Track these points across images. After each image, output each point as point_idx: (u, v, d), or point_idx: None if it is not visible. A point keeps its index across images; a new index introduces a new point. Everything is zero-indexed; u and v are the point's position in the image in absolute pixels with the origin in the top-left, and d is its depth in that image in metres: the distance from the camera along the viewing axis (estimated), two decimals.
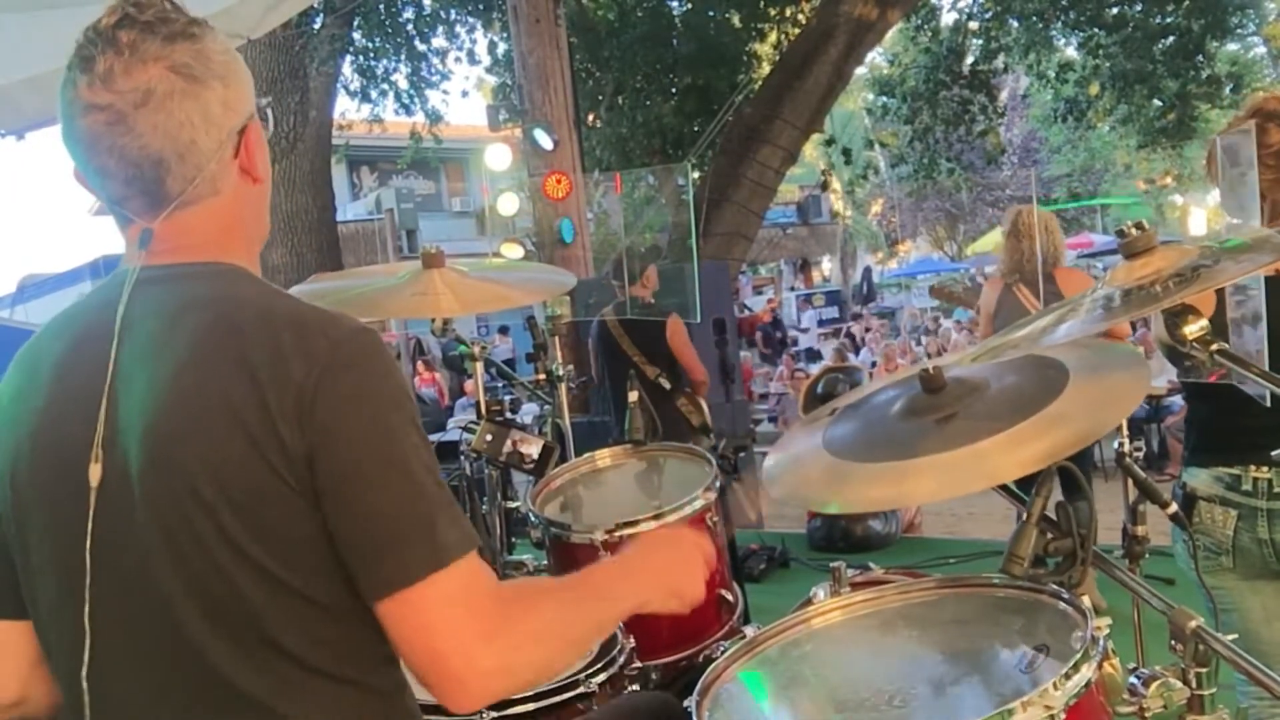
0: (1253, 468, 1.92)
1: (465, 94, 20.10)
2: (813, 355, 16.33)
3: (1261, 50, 20.00)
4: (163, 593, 1.03)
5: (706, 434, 2.73)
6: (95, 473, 1.04)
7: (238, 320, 1.06)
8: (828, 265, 28.67)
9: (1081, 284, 4.29)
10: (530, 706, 1.67)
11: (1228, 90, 12.97)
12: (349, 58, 11.36)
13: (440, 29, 11.85)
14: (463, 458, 2.84)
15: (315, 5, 9.03)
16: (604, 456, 2.67)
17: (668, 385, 2.60)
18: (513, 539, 3.04)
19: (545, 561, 2.44)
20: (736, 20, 11.55)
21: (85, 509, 1.04)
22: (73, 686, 1.07)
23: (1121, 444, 1.74)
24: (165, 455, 1.02)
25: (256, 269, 1.21)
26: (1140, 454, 1.77)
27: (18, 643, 1.17)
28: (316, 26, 9.76)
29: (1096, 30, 12.05)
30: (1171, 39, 11.89)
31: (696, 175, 9.99)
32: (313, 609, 1.04)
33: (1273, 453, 1.85)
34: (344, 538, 1.02)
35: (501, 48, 11.53)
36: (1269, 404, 1.59)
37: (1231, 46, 16.22)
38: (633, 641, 1.89)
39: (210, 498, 1.01)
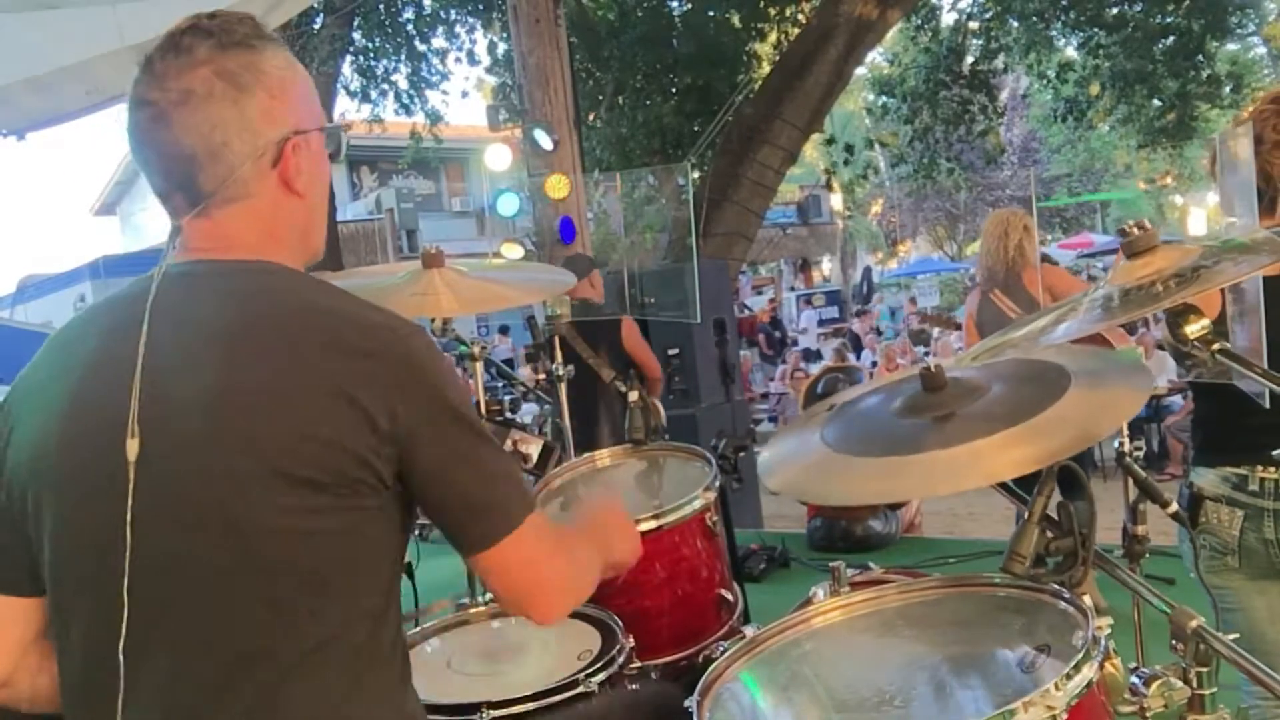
0: (1259, 468, 1.92)
1: (465, 94, 20.07)
2: (812, 355, 16.31)
3: (1261, 50, 19.99)
4: (207, 564, 1.06)
5: (661, 436, 2.73)
6: (133, 448, 1.07)
7: (310, 312, 1.13)
8: (828, 265, 28.68)
9: (1053, 280, 4.29)
10: (530, 706, 1.67)
11: (1228, 90, 12.98)
12: (349, 58, 11.37)
13: (440, 29, 11.85)
14: None
15: (315, 5, 9.03)
16: (604, 456, 2.67)
17: (623, 389, 2.68)
18: None
19: None
20: (736, 20, 11.54)
21: (121, 485, 1.07)
22: (104, 662, 1.08)
23: (1122, 444, 1.73)
24: (232, 432, 1.06)
25: None
26: (1140, 453, 1.76)
27: (13, 620, 1.18)
28: (316, 26, 9.77)
29: (1096, 30, 12.05)
30: (1171, 39, 11.89)
31: (696, 175, 9.99)
32: (357, 576, 1.12)
33: (1274, 452, 1.85)
34: (451, 505, 1.15)
35: (501, 48, 11.53)
36: (1268, 404, 1.58)
37: (1231, 46, 16.21)
38: (632, 641, 1.88)
39: (285, 468, 1.05)
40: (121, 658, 1.07)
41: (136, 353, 1.09)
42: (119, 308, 1.17)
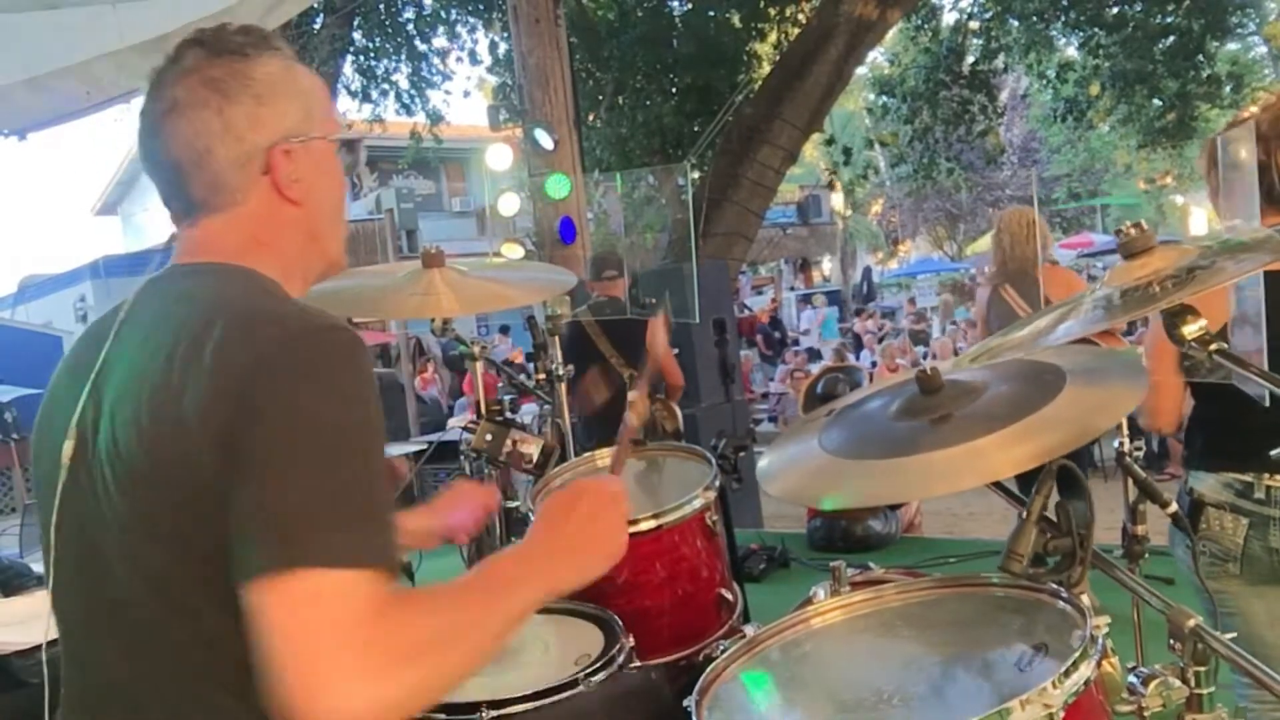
0: (1266, 476, 1.89)
1: (466, 94, 20.06)
2: (812, 355, 16.32)
3: (1262, 50, 19.99)
4: (105, 564, 1.06)
5: (677, 440, 2.73)
6: (67, 449, 1.09)
7: (213, 314, 1.05)
8: (828, 265, 28.68)
9: (1066, 281, 4.29)
10: (528, 706, 1.67)
11: (1228, 90, 12.98)
12: (349, 58, 11.37)
13: (441, 29, 11.86)
14: (462, 457, 2.83)
15: (315, 5, 9.04)
16: (604, 456, 2.66)
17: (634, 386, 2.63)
18: (512, 538, 3.03)
19: None
20: (736, 20, 11.55)
21: (54, 490, 1.10)
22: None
23: (1121, 444, 1.73)
24: (125, 437, 1.04)
25: (296, 288, 1.21)
26: (1140, 454, 1.76)
27: None
28: (317, 27, 9.78)
29: (1096, 30, 12.06)
30: (1171, 39, 11.90)
31: (696, 175, 9.99)
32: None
33: (1273, 452, 1.84)
34: (235, 513, 0.95)
35: (502, 48, 11.54)
36: (1268, 404, 1.58)
37: (1231, 46, 16.22)
38: (632, 641, 1.88)
39: (148, 475, 1.01)
40: (43, 655, 1.12)
41: (97, 360, 1.12)
42: (103, 319, 1.19)
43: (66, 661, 1.12)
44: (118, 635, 1.07)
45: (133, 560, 1.04)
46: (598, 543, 1.16)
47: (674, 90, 11.15)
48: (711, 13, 11.52)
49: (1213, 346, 1.24)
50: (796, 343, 17.78)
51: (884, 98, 14.33)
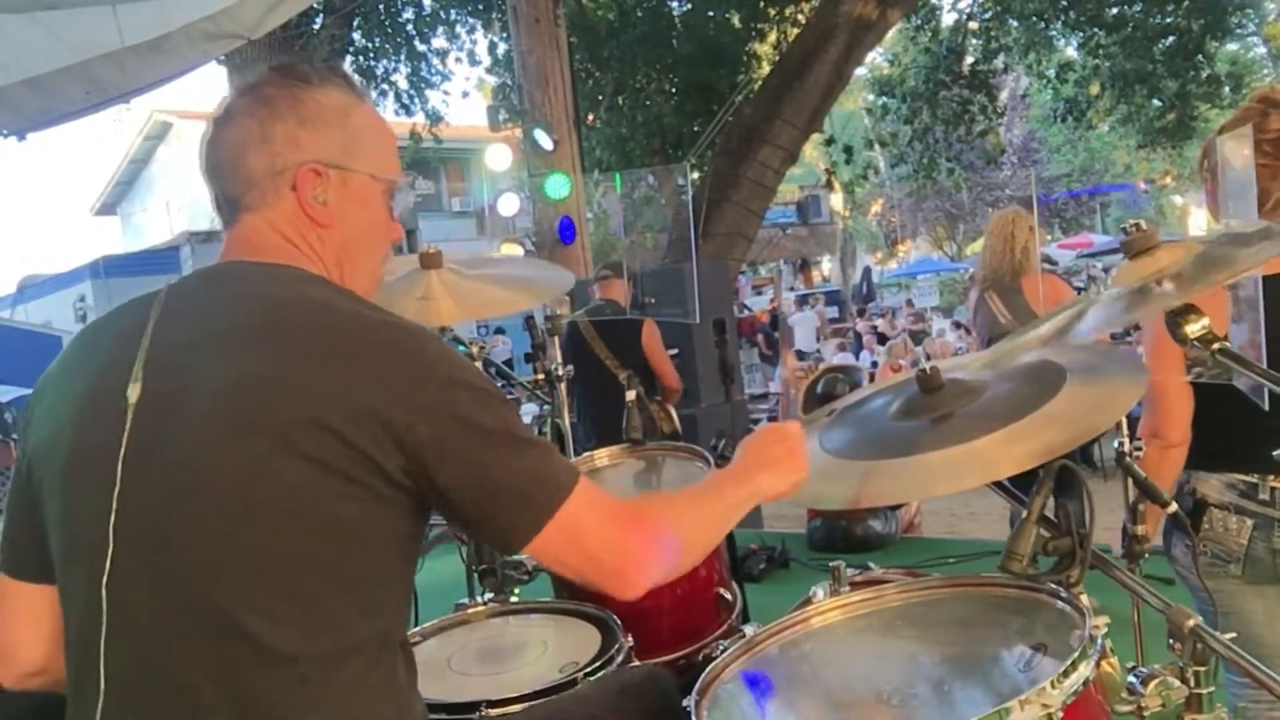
0: (1271, 477, 1.88)
1: (465, 94, 20.07)
2: (802, 357, 16.25)
3: (1261, 50, 20.02)
4: (207, 544, 1.08)
5: (676, 440, 2.72)
6: (134, 391, 1.13)
7: (327, 314, 1.15)
8: (828, 265, 28.67)
9: (1053, 291, 4.23)
10: (527, 705, 1.67)
11: (1228, 90, 13.00)
12: (349, 58, 11.36)
13: (440, 29, 11.85)
14: None
15: (315, 5, 9.03)
16: (603, 456, 2.66)
17: (633, 386, 2.59)
18: None
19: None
20: (736, 20, 11.54)
21: (122, 426, 1.11)
22: (92, 597, 1.11)
23: (1121, 443, 1.73)
24: (241, 412, 1.08)
25: None
26: (1140, 453, 1.75)
27: (41, 608, 1.22)
28: (316, 27, 9.77)
29: (1096, 30, 12.06)
30: (1171, 39, 11.91)
31: (696, 175, 9.99)
32: (363, 567, 1.13)
33: (1275, 453, 1.83)
34: (475, 509, 1.15)
35: (501, 48, 11.54)
36: (1266, 406, 1.58)
37: (1231, 46, 16.25)
38: (631, 640, 1.88)
39: (305, 449, 1.06)
40: (104, 592, 1.09)
41: (146, 328, 1.16)
42: (142, 301, 1.22)
43: (117, 597, 1.10)
44: (210, 611, 1.07)
45: (248, 533, 1.07)
46: (783, 461, 1.40)
47: (674, 90, 11.14)
48: (711, 13, 11.51)
49: (1215, 345, 1.23)
50: (794, 343, 17.74)
51: (884, 98, 14.32)
